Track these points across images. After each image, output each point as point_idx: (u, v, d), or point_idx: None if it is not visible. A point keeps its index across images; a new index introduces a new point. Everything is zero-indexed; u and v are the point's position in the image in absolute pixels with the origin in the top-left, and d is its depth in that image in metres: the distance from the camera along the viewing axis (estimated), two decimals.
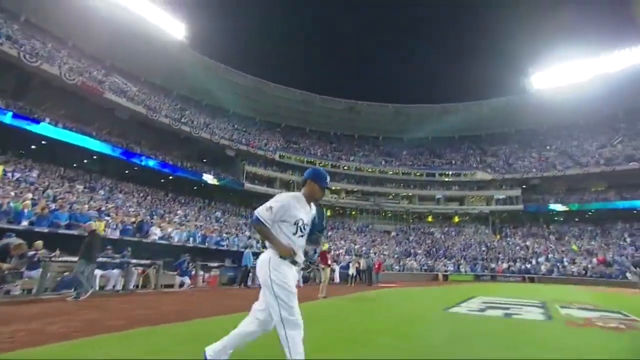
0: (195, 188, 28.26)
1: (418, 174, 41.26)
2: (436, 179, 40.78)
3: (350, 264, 16.65)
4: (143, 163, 23.58)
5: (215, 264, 10.66)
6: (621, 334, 4.72)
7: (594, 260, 25.67)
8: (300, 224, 2.33)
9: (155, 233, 10.17)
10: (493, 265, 25.60)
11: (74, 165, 21.01)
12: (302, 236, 2.37)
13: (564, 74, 39.42)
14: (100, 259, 7.34)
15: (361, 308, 7.31)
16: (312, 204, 2.48)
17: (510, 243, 32.74)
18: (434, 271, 24.46)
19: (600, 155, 35.82)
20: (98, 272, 7.46)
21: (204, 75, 38.46)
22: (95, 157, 22.15)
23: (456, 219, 40.69)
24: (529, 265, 24.47)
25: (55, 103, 21.83)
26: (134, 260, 8.32)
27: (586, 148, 38.36)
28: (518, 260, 26.24)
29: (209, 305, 6.81)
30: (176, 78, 37.58)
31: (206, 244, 11.64)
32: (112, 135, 23.67)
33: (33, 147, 19.96)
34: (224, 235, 15.75)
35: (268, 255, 2.30)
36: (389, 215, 40.12)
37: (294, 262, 2.32)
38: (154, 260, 8.55)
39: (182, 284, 9.17)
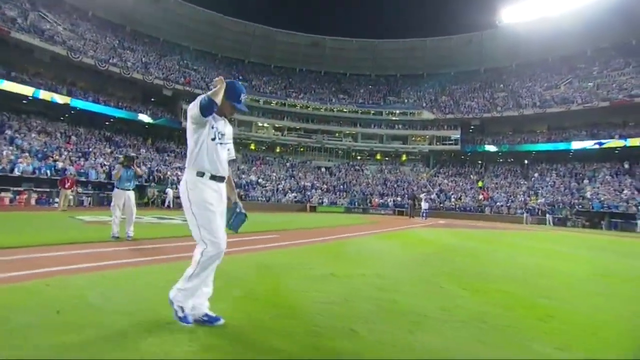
0: (134, 128, 31.72)
1: (370, 112, 42.25)
2: (383, 117, 41.80)
3: None
4: (72, 104, 26.80)
5: (22, 188, 14.59)
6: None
7: (480, 196, 28.22)
8: (215, 129, 2.23)
9: None
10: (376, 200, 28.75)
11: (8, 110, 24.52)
12: (220, 144, 2.26)
13: (535, 6, 36.92)
14: None
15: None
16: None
17: (430, 182, 35.06)
18: (303, 202, 27.74)
19: (540, 97, 35.28)
20: None
21: (154, 10, 39.23)
22: (29, 99, 25.54)
23: (404, 158, 42.62)
24: (410, 201, 27.35)
25: None
26: None
27: (535, 89, 37.46)
28: (407, 196, 29.07)
29: None
30: (127, 13, 38.63)
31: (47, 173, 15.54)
32: (44, 78, 26.57)
33: None
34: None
35: (185, 177, 2.24)
36: (337, 152, 42.55)
37: (214, 178, 2.21)
38: None
39: None
